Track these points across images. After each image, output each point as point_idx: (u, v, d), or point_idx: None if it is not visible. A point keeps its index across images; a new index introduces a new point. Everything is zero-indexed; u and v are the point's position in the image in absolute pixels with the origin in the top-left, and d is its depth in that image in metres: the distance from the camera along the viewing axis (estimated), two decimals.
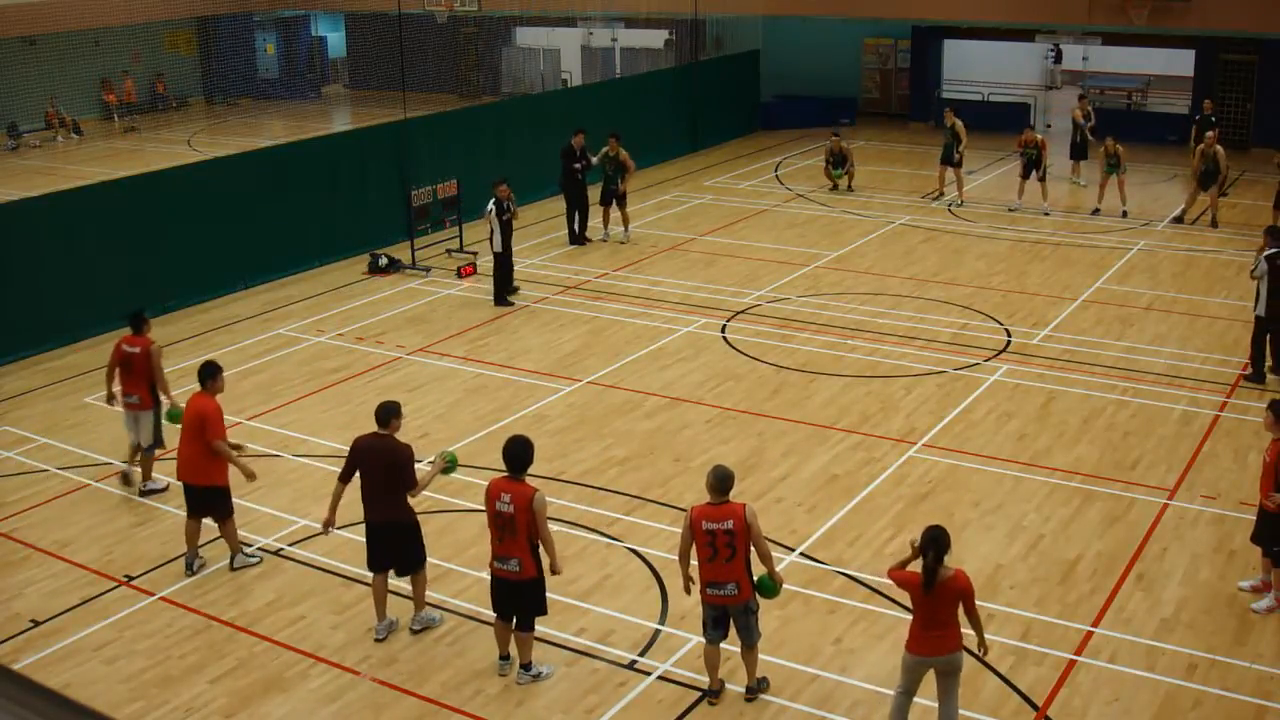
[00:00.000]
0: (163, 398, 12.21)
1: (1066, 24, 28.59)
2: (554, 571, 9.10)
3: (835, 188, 24.86)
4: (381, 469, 9.64)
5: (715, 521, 8.61)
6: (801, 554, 10.98)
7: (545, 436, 13.49)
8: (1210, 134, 21.33)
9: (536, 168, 22.85)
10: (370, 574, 9.93)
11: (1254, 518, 11.39)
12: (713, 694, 9.04)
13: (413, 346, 16.46)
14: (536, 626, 9.32)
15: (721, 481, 8.73)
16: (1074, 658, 9.43)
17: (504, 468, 9.14)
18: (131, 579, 10.85)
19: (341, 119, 37.41)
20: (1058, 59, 36.00)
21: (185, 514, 10.92)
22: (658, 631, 9.87)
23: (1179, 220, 21.91)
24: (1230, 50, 28.30)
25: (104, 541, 11.44)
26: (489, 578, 9.30)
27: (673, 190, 25.25)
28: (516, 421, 13.94)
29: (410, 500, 9.73)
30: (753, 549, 8.62)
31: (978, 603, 8.22)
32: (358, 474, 9.77)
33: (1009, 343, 16.16)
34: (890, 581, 8.33)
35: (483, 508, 11.82)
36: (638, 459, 12.98)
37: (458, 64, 38.50)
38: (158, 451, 12.45)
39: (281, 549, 11.29)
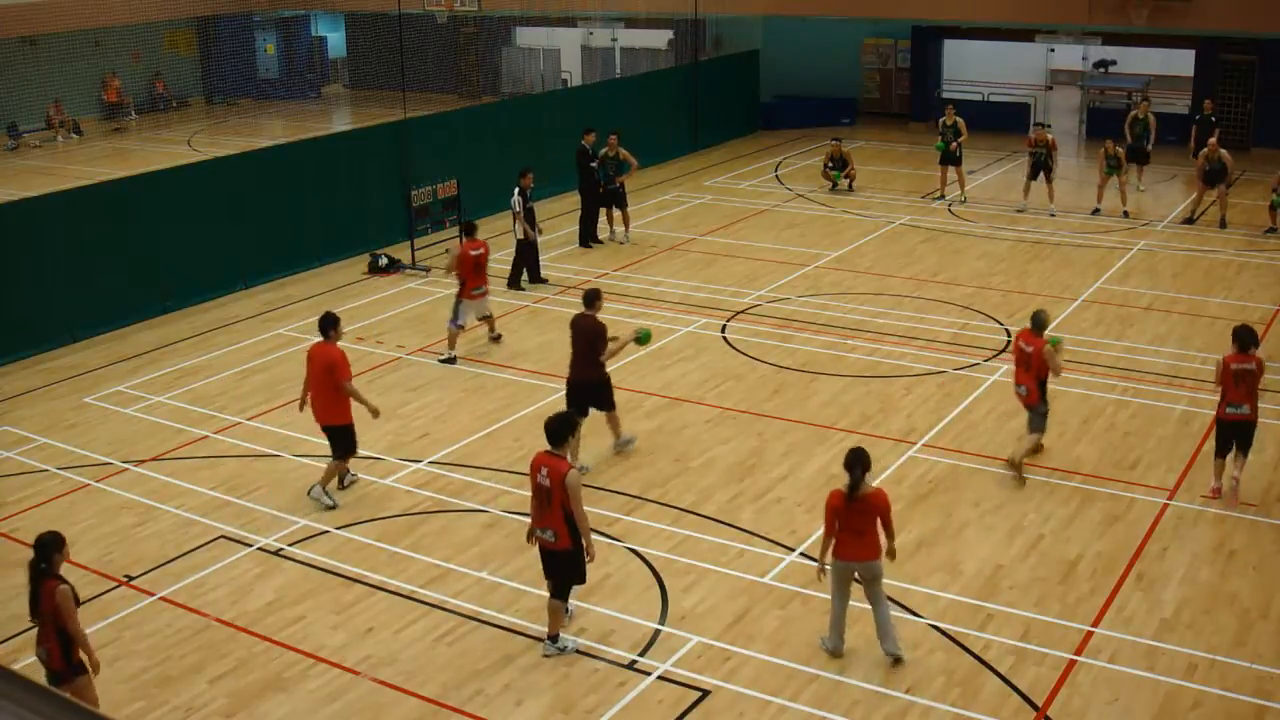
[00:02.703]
0: (485, 287, 15.92)
1: (1066, 24, 28.58)
2: (588, 555, 9.43)
3: (835, 186, 24.87)
4: (582, 339, 12.53)
5: (1027, 345, 12.06)
6: (801, 554, 10.98)
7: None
8: (1212, 140, 21.38)
9: (537, 168, 22.79)
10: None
11: (1254, 518, 11.52)
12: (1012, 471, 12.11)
13: (413, 346, 16.46)
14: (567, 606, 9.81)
15: (1038, 320, 12.14)
16: (1074, 658, 9.43)
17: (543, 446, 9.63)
18: (131, 579, 10.86)
19: (341, 119, 37.40)
20: (1099, 63, 35.63)
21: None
22: (658, 631, 9.87)
23: (1190, 221, 21.88)
24: (1230, 50, 28.28)
25: (104, 541, 11.44)
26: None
27: (673, 190, 25.24)
28: (516, 421, 13.95)
29: (602, 361, 12.44)
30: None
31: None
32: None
33: (1009, 343, 16.16)
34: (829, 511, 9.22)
35: (483, 508, 11.96)
36: (638, 459, 12.98)
37: (458, 64, 38.48)
38: (454, 329, 15.74)
39: (281, 549, 11.30)
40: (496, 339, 16.37)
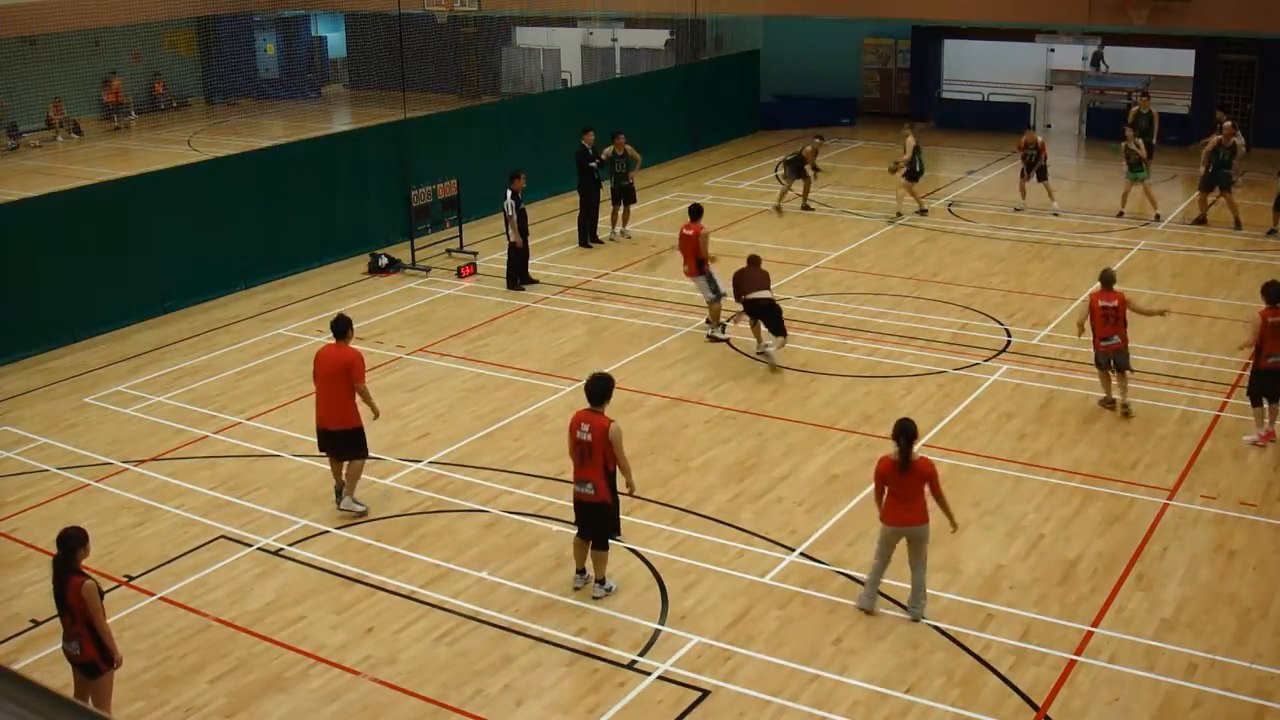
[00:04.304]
0: (711, 267, 16.24)
1: (1066, 24, 28.59)
2: (630, 492, 10.27)
3: (807, 207, 23.32)
4: (756, 278, 15.21)
5: (1107, 301, 13.37)
6: (802, 554, 10.98)
7: (545, 436, 13.50)
8: (1228, 124, 21.33)
9: (536, 168, 22.80)
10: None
11: (1254, 518, 11.51)
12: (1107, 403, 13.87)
13: (413, 346, 16.46)
14: (610, 583, 10.10)
15: (1107, 276, 13.68)
16: (1074, 658, 9.43)
17: (585, 402, 10.19)
18: (131, 579, 10.86)
19: (341, 119, 37.40)
20: (1095, 62, 35.59)
21: (320, 457, 12.31)
22: (658, 631, 9.87)
23: (1201, 221, 21.81)
24: (1230, 50, 28.30)
25: (104, 541, 11.42)
26: (571, 503, 10.46)
27: (673, 190, 25.24)
28: (517, 421, 13.96)
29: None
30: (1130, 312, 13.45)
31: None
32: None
33: (1009, 343, 16.16)
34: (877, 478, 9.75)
35: (483, 508, 11.96)
36: (638, 459, 12.92)
37: (458, 64, 38.48)
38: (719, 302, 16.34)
39: (281, 549, 11.29)
40: (713, 338, 16.53)
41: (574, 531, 10.51)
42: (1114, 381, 13.82)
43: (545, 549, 11.14)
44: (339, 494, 12.00)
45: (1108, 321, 13.42)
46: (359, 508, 11.83)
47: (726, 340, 16.29)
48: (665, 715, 8.86)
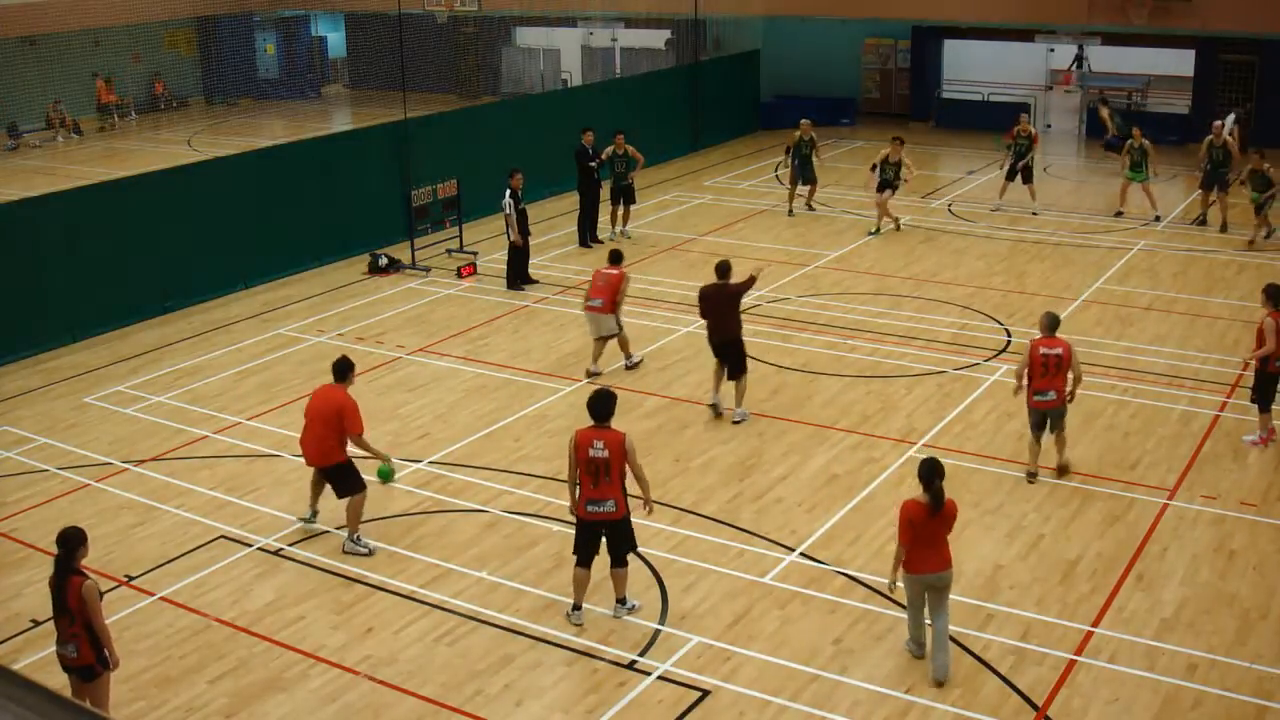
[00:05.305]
0: (620, 309, 15.08)
1: (1066, 24, 28.59)
2: (647, 508, 10.04)
3: (796, 211, 23.22)
4: (724, 304, 13.65)
5: (1049, 348, 11.90)
6: (801, 554, 10.98)
7: (545, 437, 13.51)
8: (1217, 124, 21.29)
9: (536, 168, 22.81)
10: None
11: (1254, 518, 11.50)
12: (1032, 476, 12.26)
13: (413, 346, 16.46)
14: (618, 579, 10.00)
15: (1051, 321, 12.08)
16: (1074, 658, 9.43)
17: (590, 421, 9.86)
18: (131, 579, 10.86)
19: (341, 119, 37.39)
20: (1080, 62, 35.61)
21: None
22: (658, 631, 9.87)
23: (1202, 222, 21.78)
24: (1230, 50, 28.29)
25: (104, 541, 11.43)
26: (575, 524, 10.01)
27: (673, 190, 25.24)
28: (517, 421, 13.95)
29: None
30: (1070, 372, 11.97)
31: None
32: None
33: (1009, 343, 16.15)
34: (901, 516, 9.05)
35: (483, 508, 11.94)
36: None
37: (458, 64, 38.48)
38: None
39: (281, 549, 11.29)
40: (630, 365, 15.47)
41: (573, 532, 10.41)
42: (1048, 442, 12.30)
43: (545, 549, 11.14)
44: (309, 516, 11.54)
45: (1047, 372, 11.87)
46: (361, 550, 11.07)
47: (640, 361, 15.45)
48: (665, 715, 8.86)
